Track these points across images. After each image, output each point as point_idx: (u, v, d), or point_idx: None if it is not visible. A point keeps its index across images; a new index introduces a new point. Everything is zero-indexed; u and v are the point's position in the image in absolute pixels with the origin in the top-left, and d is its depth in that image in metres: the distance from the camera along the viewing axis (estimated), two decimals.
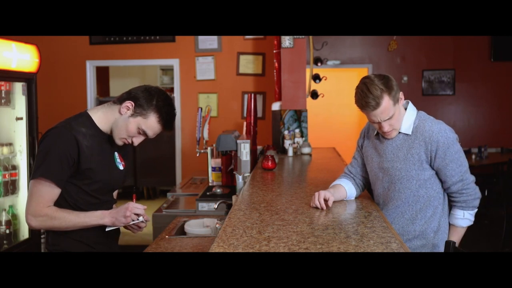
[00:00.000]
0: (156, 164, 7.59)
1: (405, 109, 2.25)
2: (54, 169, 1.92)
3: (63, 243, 2.02)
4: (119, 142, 2.05)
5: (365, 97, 2.12)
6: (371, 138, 2.34)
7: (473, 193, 2.24)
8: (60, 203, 1.98)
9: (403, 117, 2.22)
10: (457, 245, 2.14)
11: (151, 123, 2.01)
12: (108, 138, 2.08)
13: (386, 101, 2.11)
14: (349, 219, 1.96)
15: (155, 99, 2.00)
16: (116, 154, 2.15)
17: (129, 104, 2.00)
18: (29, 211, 1.95)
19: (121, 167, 2.15)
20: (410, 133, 2.20)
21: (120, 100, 2.03)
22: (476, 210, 2.27)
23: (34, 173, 1.95)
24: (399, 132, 2.23)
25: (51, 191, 1.94)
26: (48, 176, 1.92)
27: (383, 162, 2.26)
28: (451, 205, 2.29)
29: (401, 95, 2.19)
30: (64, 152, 1.93)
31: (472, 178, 2.25)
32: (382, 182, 2.29)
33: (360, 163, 2.42)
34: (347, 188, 2.36)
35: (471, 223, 2.30)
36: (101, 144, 2.05)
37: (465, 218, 2.27)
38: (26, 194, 4.30)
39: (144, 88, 2.04)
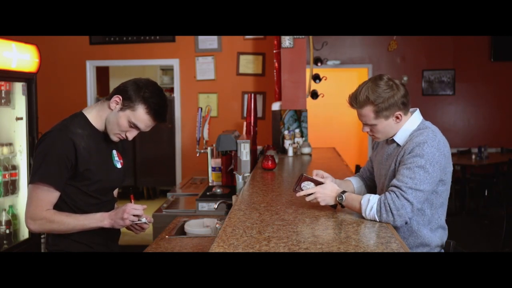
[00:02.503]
0: (156, 164, 7.59)
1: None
2: (52, 172, 1.92)
3: (63, 243, 2.02)
4: (114, 138, 2.04)
5: (353, 94, 2.13)
6: (380, 144, 2.35)
7: (395, 208, 1.91)
8: (59, 205, 1.97)
9: (391, 130, 2.14)
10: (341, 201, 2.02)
11: (139, 115, 1.98)
12: (104, 136, 2.07)
13: (366, 110, 2.09)
14: (349, 219, 1.96)
15: (142, 90, 1.98)
16: (114, 152, 2.14)
17: (117, 98, 1.98)
18: (28, 215, 1.94)
19: (119, 166, 2.14)
20: (401, 144, 2.13)
21: (110, 96, 2.02)
22: (378, 219, 1.94)
23: (32, 178, 1.94)
24: (394, 141, 2.18)
25: (50, 195, 1.94)
26: (46, 180, 1.92)
27: (379, 168, 2.28)
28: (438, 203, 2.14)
29: (397, 115, 2.09)
30: (62, 155, 1.92)
31: (411, 204, 1.93)
32: (378, 186, 2.32)
33: (370, 165, 2.45)
34: (354, 183, 2.44)
35: (364, 214, 1.97)
36: (98, 144, 2.05)
37: (369, 204, 1.95)
38: (26, 194, 4.30)
39: (133, 81, 2.02)
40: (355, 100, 2.12)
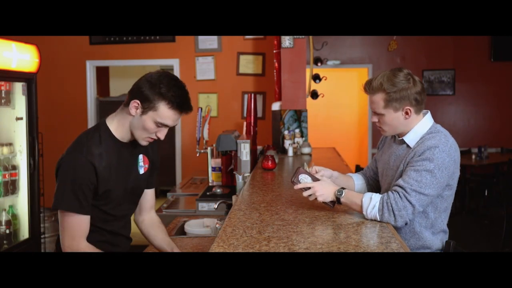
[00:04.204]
0: None
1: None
2: (78, 199, 1.86)
3: None
4: (144, 143, 1.96)
5: (369, 79, 2.15)
6: (386, 144, 2.34)
7: (397, 208, 1.91)
8: None
9: (399, 125, 2.13)
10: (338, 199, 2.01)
11: (163, 113, 1.87)
12: (129, 144, 2.00)
13: (377, 97, 2.09)
14: (349, 219, 1.96)
15: (157, 86, 1.86)
16: (140, 157, 2.07)
17: (135, 103, 1.88)
18: (66, 244, 1.90)
19: (142, 171, 2.08)
20: (412, 146, 2.11)
21: (127, 101, 1.93)
22: (379, 218, 1.93)
23: (58, 203, 1.88)
24: (404, 143, 2.16)
25: (82, 221, 1.90)
26: (74, 210, 1.87)
27: (384, 168, 2.27)
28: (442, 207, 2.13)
29: (407, 110, 2.08)
30: (84, 179, 1.86)
31: (413, 206, 1.93)
32: (382, 186, 2.30)
33: (374, 165, 2.43)
34: (355, 179, 2.43)
35: (365, 212, 1.96)
36: (119, 158, 1.97)
37: (371, 203, 1.94)
38: (26, 194, 4.31)
39: (145, 79, 1.90)
40: (369, 85, 2.12)
